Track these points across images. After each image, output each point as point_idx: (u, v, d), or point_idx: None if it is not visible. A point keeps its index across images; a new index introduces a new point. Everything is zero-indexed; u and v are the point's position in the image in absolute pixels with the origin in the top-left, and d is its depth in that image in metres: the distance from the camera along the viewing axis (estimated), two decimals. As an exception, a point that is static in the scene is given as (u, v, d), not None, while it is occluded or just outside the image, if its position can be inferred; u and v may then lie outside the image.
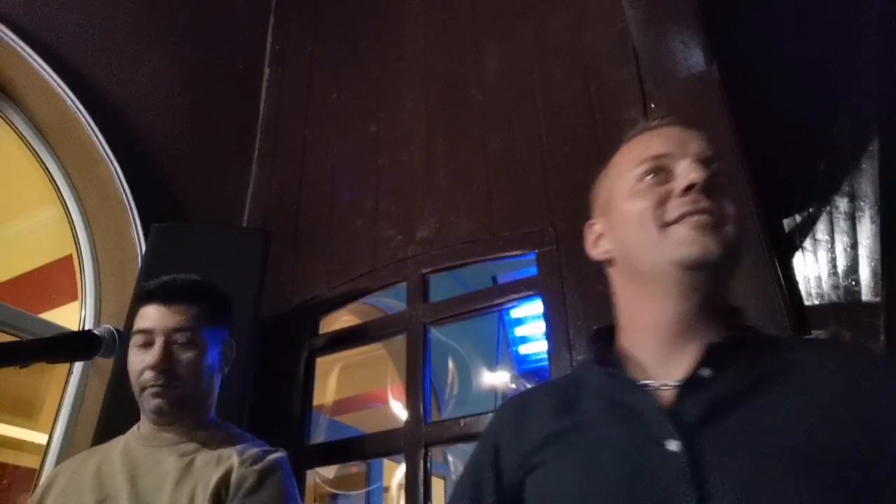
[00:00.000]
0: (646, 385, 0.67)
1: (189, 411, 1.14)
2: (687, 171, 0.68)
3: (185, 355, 1.11)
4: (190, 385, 1.12)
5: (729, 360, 0.64)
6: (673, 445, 0.60)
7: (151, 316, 1.13)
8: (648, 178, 0.71)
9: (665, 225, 0.68)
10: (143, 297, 1.16)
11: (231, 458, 1.07)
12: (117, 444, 1.17)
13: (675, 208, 0.67)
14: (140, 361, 1.10)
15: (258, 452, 1.11)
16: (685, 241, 0.66)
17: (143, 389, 1.10)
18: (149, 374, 1.09)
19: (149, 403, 1.10)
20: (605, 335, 0.78)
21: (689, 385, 0.64)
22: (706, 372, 0.64)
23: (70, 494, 1.08)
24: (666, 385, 0.66)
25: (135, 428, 1.18)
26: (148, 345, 1.11)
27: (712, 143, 0.73)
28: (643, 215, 0.69)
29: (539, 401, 0.77)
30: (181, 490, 1.03)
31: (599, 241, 0.79)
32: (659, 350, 0.69)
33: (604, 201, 0.80)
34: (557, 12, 2.10)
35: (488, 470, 0.75)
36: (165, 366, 1.09)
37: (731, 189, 0.70)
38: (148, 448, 1.12)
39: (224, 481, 1.04)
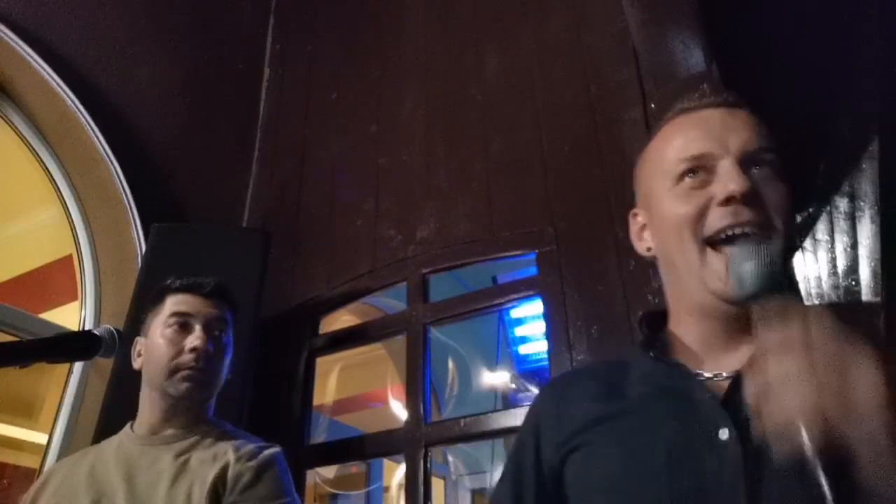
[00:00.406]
0: (698, 374, 0.65)
1: (198, 402, 1.15)
2: (726, 179, 0.63)
3: (220, 346, 1.16)
4: (217, 377, 1.15)
5: None
6: (725, 435, 0.58)
7: (190, 302, 1.16)
8: (688, 178, 0.67)
9: (705, 241, 0.65)
10: (174, 288, 1.19)
11: (227, 455, 1.08)
12: (111, 444, 1.16)
13: (714, 220, 0.64)
14: (178, 342, 1.12)
15: (254, 448, 1.11)
16: (722, 275, 0.63)
17: (174, 371, 1.11)
18: (189, 357, 1.11)
19: (178, 386, 1.11)
20: (653, 320, 0.76)
21: (738, 382, 0.61)
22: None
23: (63, 496, 1.07)
24: (719, 375, 0.64)
25: (127, 428, 1.17)
26: (185, 328, 1.13)
27: (760, 128, 0.68)
28: (682, 226, 0.66)
29: (582, 384, 0.75)
30: (178, 488, 1.03)
31: (643, 234, 0.76)
32: (709, 342, 0.67)
33: (644, 192, 0.76)
34: (557, 12, 2.10)
35: (530, 453, 0.73)
36: (210, 350, 1.12)
37: (781, 185, 0.65)
38: (143, 447, 1.12)
39: (221, 478, 1.04)
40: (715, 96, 0.71)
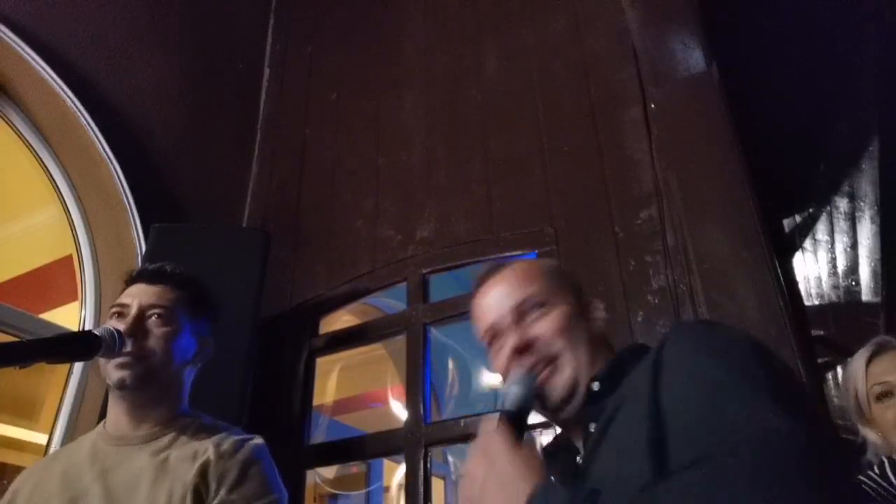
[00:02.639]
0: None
1: (153, 395, 1.08)
2: (505, 339, 0.82)
3: (159, 329, 1.07)
4: (158, 361, 1.06)
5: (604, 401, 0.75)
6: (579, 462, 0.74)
7: (131, 292, 1.11)
8: (493, 344, 0.85)
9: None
10: (128, 279, 1.15)
11: (207, 452, 1.03)
12: (83, 444, 1.12)
13: (511, 374, 0.80)
14: (114, 328, 1.04)
15: (235, 442, 1.06)
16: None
17: (107, 366, 1.05)
18: (119, 346, 1.03)
19: (114, 375, 1.04)
20: None
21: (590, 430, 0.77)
22: (594, 424, 0.75)
23: (37, 502, 1.04)
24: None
25: (100, 426, 1.13)
26: (121, 317, 1.08)
27: (522, 280, 0.86)
28: (500, 370, 0.84)
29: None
30: (159, 489, 1.00)
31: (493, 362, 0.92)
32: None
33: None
34: (557, 12, 2.10)
35: None
36: (135, 332, 1.05)
37: (550, 310, 0.82)
38: (117, 447, 1.07)
39: (202, 476, 1.00)
40: (484, 274, 0.93)
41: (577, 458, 0.76)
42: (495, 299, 0.86)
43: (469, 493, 0.65)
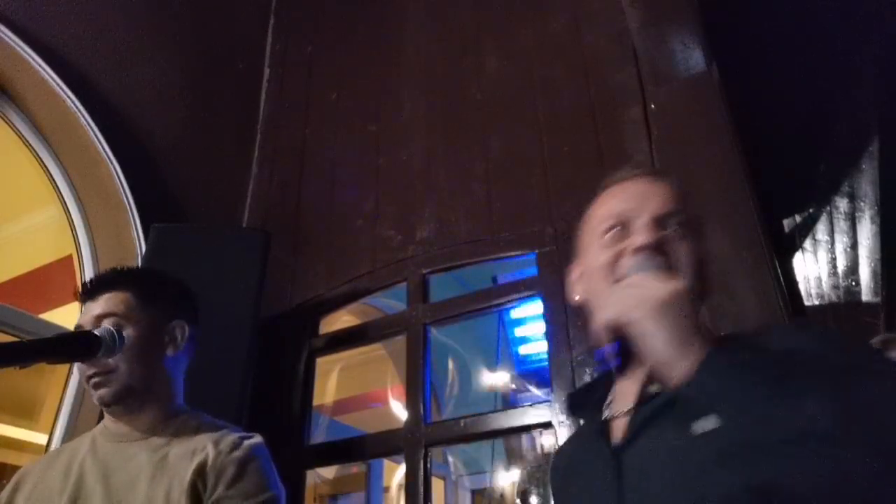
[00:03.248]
0: (604, 420, 0.79)
1: (139, 400, 1.08)
2: (639, 232, 0.75)
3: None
4: (125, 374, 1.05)
5: (657, 396, 0.71)
6: (604, 468, 0.71)
7: (84, 311, 1.10)
8: (610, 233, 0.78)
9: (616, 282, 0.74)
10: (79, 296, 1.13)
11: (205, 449, 1.04)
12: (84, 441, 1.13)
13: (624, 265, 0.74)
14: None
15: (234, 440, 1.07)
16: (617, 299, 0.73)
17: (87, 383, 1.06)
18: (83, 368, 1.05)
19: (93, 394, 1.06)
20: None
21: (637, 409, 0.73)
22: (639, 417, 0.71)
23: (38, 499, 1.04)
24: (622, 411, 0.75)
25: (101, 424, 1.14)
26: None
27: (677, 195, 0.79)
28: (600, 270, 0.77)
29: (569, 447, 0.91)
30: (157, 487, 1.00)
31: (577, 283, 0.86)
32: (625, 379, 0.78)
33: (581, 248, 0.88)
34: (557, 12, 2.10)
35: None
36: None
37: (689, 244, 0.75)
38: (117, 444, 1.08)
39: (199, 474, 1.01)
40: (641, 170, 0.84)
41: (650, 388, 0.73)
42: (651, 192, 0.79)
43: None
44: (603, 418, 0.80)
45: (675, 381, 0.62)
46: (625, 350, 0.70)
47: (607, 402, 0.82)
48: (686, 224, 0.76)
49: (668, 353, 0.62)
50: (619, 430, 0.74)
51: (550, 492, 0.91)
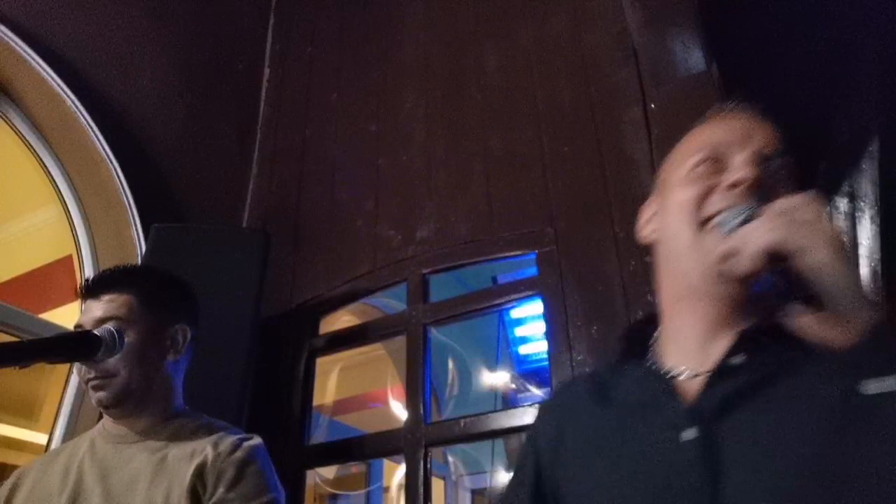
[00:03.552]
0: (675, 375, 0.66)
1: (138, 402, 1.08)
2: (738, 167, 0.65)
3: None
4: (124, 377, 1.05)
5: (762, 348, 0.61)
6: (688, 435, 0.59)
7: (84, 310, 1.09)
8: (702, 166, 0.69)
9: (703, 221, 0.65)
10: (80, 292, 1.12)
11: (205, 451, 1.03)
12: (83, 442, 1.13)
13: (715, 203, 0.65)
14: None
15: (233, 441, 1.06)
16: (717, 251, 0.63)
17: (86, 385, 1.06)
18: (82, 370, 1.05)
19: (92, 397, 1.06)
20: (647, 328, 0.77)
21: (717, 374, 0.62)
22: (737, 359, 0.61)
23: (36, 499, 1.04)
24: (697, 374, 0.64)
25: (100, 424, 1.14)
26: None
27: (778, 136, 0.70)
28: (685, 205, 0.67)
29: (578, 396, 0.77)
30: (156, 489, 1.00)
31: (650, 222, 0.77)
32: (697, 337, 0.67)
33: (661, 185, 0.77)
34: (557, 12, 2.10)
35: (530, 467, 0.76)
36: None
37: (790, 187, 0.67)
38: (116, 445, 1.08)
39: (199, 476, 1.00)
40: (741, 106, 0.74)
41: (733, 360, 0.62)
42: (755, 128, 0.69)
43: (815, 219, 0.55)
44: (670, 375, 0.66)
45: (848, 335, 0.53)
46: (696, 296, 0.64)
47: (648, 362, 0.72)
48: (789, 169, 0.67)
49: (851, 297, 0.53)
50: (689, 393, 0.63)
51: (528, 454, 0.77)
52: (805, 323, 0.58)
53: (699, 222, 0.66)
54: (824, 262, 0.54)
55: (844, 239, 0.58)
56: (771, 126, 0.70)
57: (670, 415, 0.62)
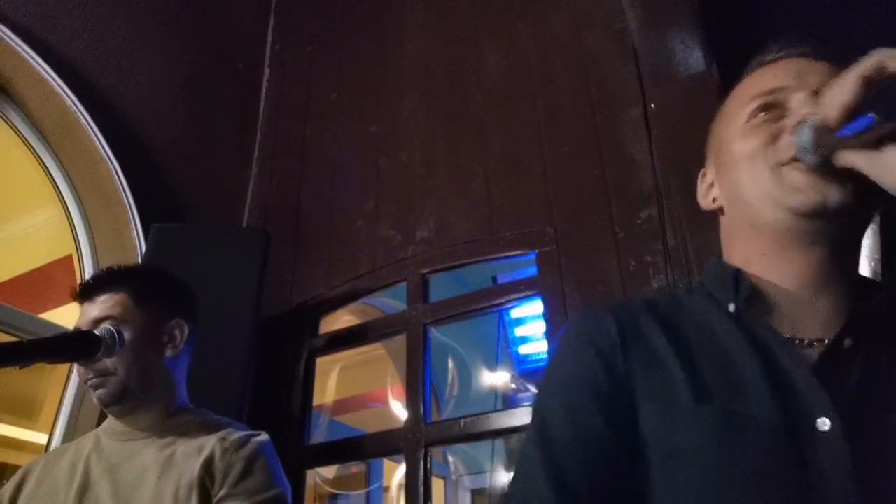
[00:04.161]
0: (795, 341, 0.57)
1: (139, 400, 1.08)
2: (801, 105, 0.59)
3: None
4: (122, 376, 1.05)
5: (872, 330, 0.55)
6: (826, 425, 0.51)
7: (81, 313, 1.09)
8: (761, 114, 0.63)
9: (778, 166, 0.59)
10: (76, 296, 1.12)
11: (212, 446, 1.04)
12: (88, 439, 1.13)
13: (788, 147, 0.58)
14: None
15: (241, 437, 1.07)
16: (801, 186, 0.56)
17: (85, 384, 1.07)
18: (81, 370, 1.06)
19: (93, 395, 1.06)
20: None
21: (833, 354, 0.54)
22: (848, 342, 0.55)
23: (43, 495, 1.05)
24: (807, 342, 0.57)
25: (105, 423, 1.14)
26: None
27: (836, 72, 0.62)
28: (753, 155, 0.61)
29: (641, 320, 0.64)
30: (164, 483, 1.01)
31: (710, 191, 0.71)
32: (791, 290, 0.59)
33: (715, 147, 0.72)
34: (558, 12, 2.10)
35: (603, 379, 0.59)
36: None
37: None
38: (122, 442, 1.09)
39: (206, 471, 1.01)
40: (797, 47, 0.67)
41: (846, 340, 0.54)
42: (810, 69, 0.63)
43: None
44: (787, 337, 0.57)
45: None
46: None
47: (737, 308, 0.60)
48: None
49: None
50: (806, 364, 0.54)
51: (586, 358, 0.61)
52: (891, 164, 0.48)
53: (773, 166, 0.59)
54: None
55: None
56: (831, 66, 0.64)
57: (800, 393, 0.53)
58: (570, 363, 0.63)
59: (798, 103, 0.60)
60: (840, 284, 0.58)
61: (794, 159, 0.57)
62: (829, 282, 0.58)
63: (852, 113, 0.49)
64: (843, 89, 0.49)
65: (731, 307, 0.61)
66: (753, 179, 0.61)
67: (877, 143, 0.48)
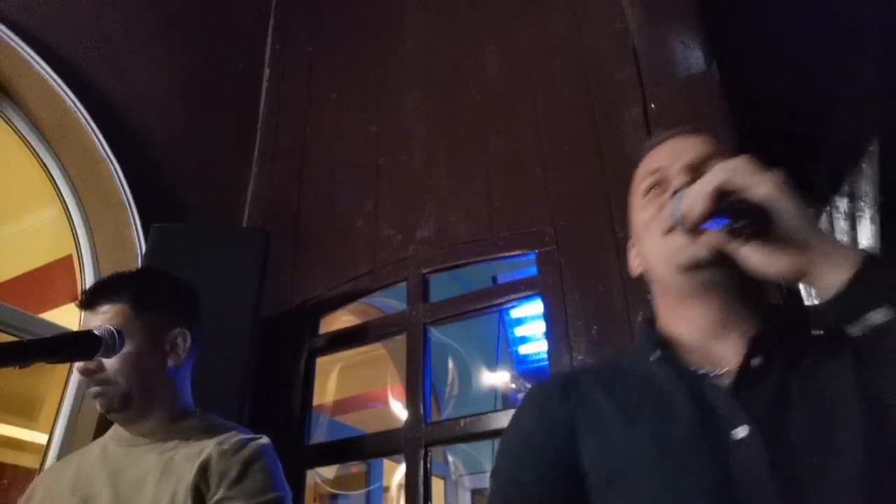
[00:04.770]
0: (704, 373, 0.67)
1: (141, 408, 1.08)
2: (676, 181, 0.71)
3: (110, 357, 1.04)
4: (124, 385, 1.05)
5: (777, 350, 0.64)
6: (742, 432, 0.60)
7: (84, 322, 1.10)
8: (652, 191, 0.76)
9: (664, 233, 0.70)
10: (79, 303, 1.12)
11: (210, 450, 1.04)
12: (95, 447, 1.14)
13: (668, 217, 0.69)
14: (77, 368, 1.07)
15: (240, 440, 1.07)
16: (681, 246, 0.68)
17: (87, 390, 1.08)
18: (84, 380, 1.06)
19: (95, 403, 1.07)
20: (651, 324, 0.78)
21: (744, 375, 0.64)
22: (756, 361, 0.64)
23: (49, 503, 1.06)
24: (717, 371, 0.66)
25: (112, 429, 1.15)
26: None
27: (710, 143, 0.77)
28: (648, 225, 0.74)
29: (585, 381, 0.75)
30: (163, 487, 1.01)
31: (635, 259, 0.83)
32: (702, 342, 0.70)
33: (631, 219, 0.84)
34: (557, 12, 2.10)
35: (542, 438, 0.71)
36: (90, 370, 1.05)
37: None
38: (126, 448, 1.09)
39: (202, 474, 1.00)
40: (675, 130, 0.81)
41: (753, 362, 0.64)
42: (684, 146, 0.77)
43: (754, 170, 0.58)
44: (700, 372, 0.67)
45: (835, 270, 0.55)
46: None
47: (654, 355, 0.72)
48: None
49: (811, 229, 0.56)
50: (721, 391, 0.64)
51: (535, 424, 0.73)
52: (747, 252, 0.60)
53: (662, 233, 0.71)
54: (769, 194, 0.57)
55: (786, 181, 0.59)
56: (700, 139, 0.77)
57: (717, 411, 0.63)
58: (520, 431, 0.75)
59: (674, 180, 0.72)
60: (747, 318, 0.68)
61: (673, 226, 0.68)
62: (732, 320, 0.68)
63: (707, 217, 0.59)
64: (700, 199, 0.59)
65: (653, 357, 0.72)
66: (651, 246, 0.74)
67: (729, 237, 0.61)
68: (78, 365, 1.05)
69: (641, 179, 0.78)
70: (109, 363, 1.05)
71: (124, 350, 1.05)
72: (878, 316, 0.53)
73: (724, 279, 0.67)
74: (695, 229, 0.62)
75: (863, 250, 0.57)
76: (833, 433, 0.57)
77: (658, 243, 0.71)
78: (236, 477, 1.01)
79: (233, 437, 1.08)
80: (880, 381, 0.56)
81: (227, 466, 1.02)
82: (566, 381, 0.76)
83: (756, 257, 0.59)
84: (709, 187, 0.59)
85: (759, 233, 0.58)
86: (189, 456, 1.05)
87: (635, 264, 0.82)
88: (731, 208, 0.58)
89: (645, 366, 0.73)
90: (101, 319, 1.07)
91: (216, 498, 0.99)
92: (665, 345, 0.72)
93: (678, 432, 0.63)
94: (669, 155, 0.76)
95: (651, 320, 0.78)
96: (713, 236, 0.63)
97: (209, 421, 1.15)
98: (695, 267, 0.67)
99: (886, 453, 0.54)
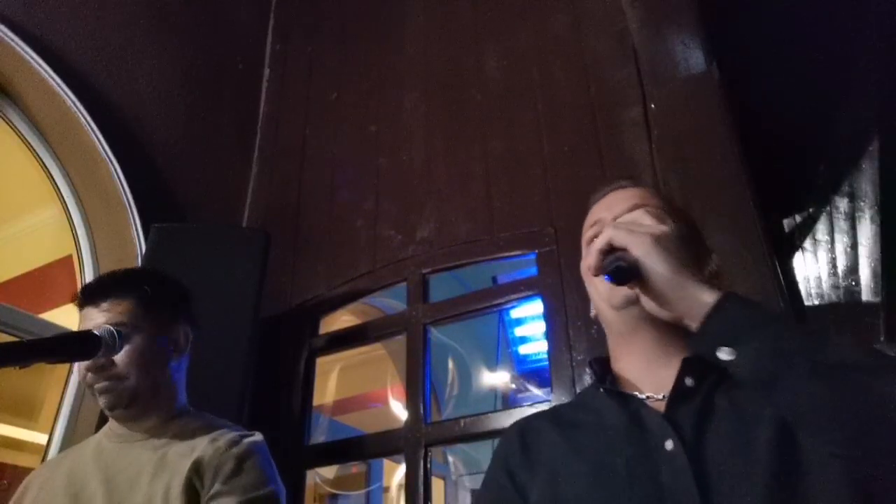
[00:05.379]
0: (643, 397, 0.76)
1: (145, 405, 1.09)
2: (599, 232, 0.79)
3: (121, 351, 1.06)
4: (132, 381, 1.06)
5: (708, 371, 0.71)
6: (670, 445, 0.67)
7: (84, 318, 1.09)
8: (592, 241, 0.83)
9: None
10: (77, 300, 1.12)
11: (203, 446, 1.05)
12: (89, 443, 1.14)
13: None
14: (79, 363, 1.07)
15: (233, 437, 1.08)
16: (606, 289, 0.78)
17: (89, 389, 1.07)
18: (90, 376, 1.06)
19: (99, 401, 1.07)
20: (601, 363, 0.88)
21: (677, 395, 0.72)
22: (689, 381, 0.71)
23: (42, 500, 1.06)
24: (655, 397, 0.75)
25: (106, 427, 1.15)
26: None
27: (641, 195, 0.86)
28: (585, 273, 0.85)
29: (540, 424, 0.85)
30: (156, 484, 1.01)
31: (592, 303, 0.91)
32: (645, 371, 0.78)
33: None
34: (557, 12, 2.10)
35: (501, 483, 0.80)
36: (101, 366, 1.05)
37: None
38: (121, 445, 1.10)
39: (195, 470, 1.01)
40: (616, 184, 0.92)
41: (686, 381, 0.72)
42: (619, 197, 0.88)
43: (635, 226, 0.70)
44: (642, 396, 0.76)
45: (698, 316, 0.63)
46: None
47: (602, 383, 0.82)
48: (654, 214, 0.79)
49: (677, 282, 0.65)
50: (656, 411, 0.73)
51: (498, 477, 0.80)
52: (642, 299, 0.70)
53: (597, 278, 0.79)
54: (640, 253, 0.67)
55: (672, 236, 0.69)
56: (635, 191, 0.87)
57: (651, 427, 0.71)
58: (487, 478, 0.83)
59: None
60: (683, 347, 0.75)
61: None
62: (668, 350, 0.76)
63: (598, 271, 0.71)
64: (590, 255, 0.72)
65: (602, 388, 0.80)
66: (593, 289, 0.84)
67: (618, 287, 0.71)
68: (88, 363, 1.05)
69: (586, 230, 0.90)
70: (119, 359, 1.06)
71: (133, 345, 1.06)
72: (722, 355, 0.61)
73: (652, 315, 0.73)
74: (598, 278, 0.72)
75: (728, 293, 0.64)
76: (749, 446, 0.64)
77: (597, 286, 0.82)
78: (231, 472, 1.01)
79: (226, 434, 1.09)
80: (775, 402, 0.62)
81: (221, 462, 1.02)
82: (525, 425, 0.86)
83: (648, 304, 0.69)
84: (597, 245, 0.71)
85: (642, 284, 0.68)
86: (183, 452, 1.05)
87: (593, 308, 0.90)
88: (612, 265, 0.68)
89: (594, 397, 0.82)
90: (105, 316, 1.07)
91: (213, 491, 0.99)
92: (612, 376, 0.82)
93: (619, 452, 0.70)
94: (607, 207, 0.88)
95: (602, 359, 0.87)
96: (595, 250, 0.73)
97: (203, 419, 1.16)
98: (622, 307, 0.77)
99: (795, 466, 0.61)
